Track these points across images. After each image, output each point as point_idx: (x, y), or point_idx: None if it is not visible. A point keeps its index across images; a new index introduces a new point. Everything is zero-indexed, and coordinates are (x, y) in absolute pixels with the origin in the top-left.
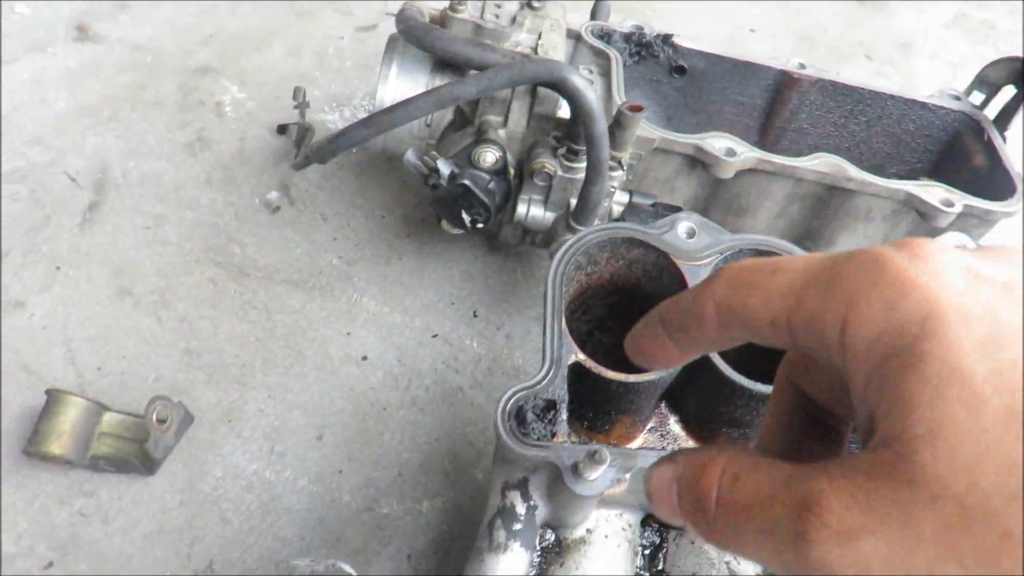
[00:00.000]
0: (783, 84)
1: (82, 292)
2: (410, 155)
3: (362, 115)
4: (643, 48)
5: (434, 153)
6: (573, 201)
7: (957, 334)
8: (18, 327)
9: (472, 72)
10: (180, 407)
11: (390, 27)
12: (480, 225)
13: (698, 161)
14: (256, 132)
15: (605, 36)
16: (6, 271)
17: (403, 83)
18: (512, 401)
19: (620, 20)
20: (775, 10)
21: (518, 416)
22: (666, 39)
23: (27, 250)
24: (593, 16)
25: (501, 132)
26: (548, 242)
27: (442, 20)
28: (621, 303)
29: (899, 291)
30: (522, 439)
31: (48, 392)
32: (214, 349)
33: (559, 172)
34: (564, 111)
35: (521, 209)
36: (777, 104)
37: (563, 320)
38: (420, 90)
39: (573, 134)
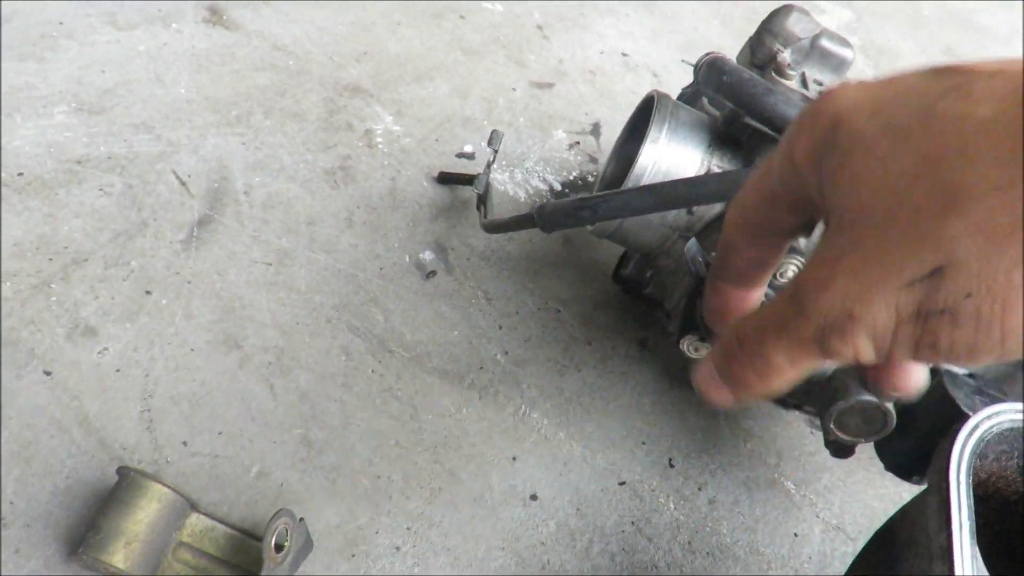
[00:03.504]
0: None
1: (176, 331)
2: (693, 247)
3: (536, 182)
4: None
5: None
6: None
7: (853, 116)
8: (83, 363)
9: None
10: (302, 528)
11: (569, 88)
12: None
13: None
14: (411, 174)
15: None
16: (79, 282)
17: (675, 151)
18: None
19: None
20: None
21: None
22: None
23: (111, 260)
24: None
25: (801, 240)
26: (812, 399)
27: None
28: (989, 517)
29: (814, 118)
30: None
31: (120, 472)
32: (341, 446)
33: None
34: None
35: None
36: None
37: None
38: (696, 163)
39: None
